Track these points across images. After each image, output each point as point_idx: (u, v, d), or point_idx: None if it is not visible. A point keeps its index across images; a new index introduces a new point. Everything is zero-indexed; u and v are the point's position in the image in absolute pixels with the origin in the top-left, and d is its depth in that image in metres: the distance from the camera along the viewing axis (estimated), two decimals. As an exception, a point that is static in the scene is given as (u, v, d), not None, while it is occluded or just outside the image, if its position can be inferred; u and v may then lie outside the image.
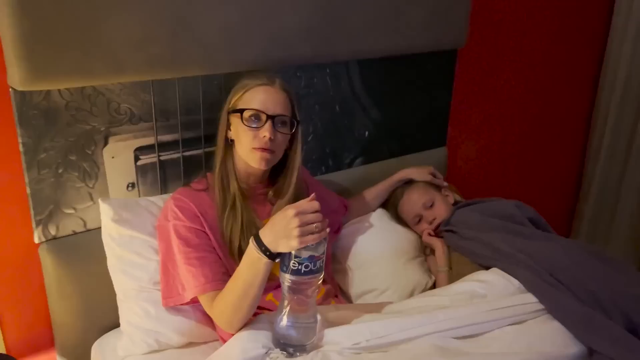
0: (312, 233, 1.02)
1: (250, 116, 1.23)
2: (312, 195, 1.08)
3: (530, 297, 1.21)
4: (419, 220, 1.62)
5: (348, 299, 1.54)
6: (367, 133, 1.79)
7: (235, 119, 1.25)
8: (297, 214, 1.02)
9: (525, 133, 2.37)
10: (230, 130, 1.28)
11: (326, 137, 1.70)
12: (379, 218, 1.66)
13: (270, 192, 1.34)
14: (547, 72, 2.33)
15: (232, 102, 1.27)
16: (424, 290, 1.51)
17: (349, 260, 1.58)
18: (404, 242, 1.61)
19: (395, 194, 1.67)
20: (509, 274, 1.27)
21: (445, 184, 1.67)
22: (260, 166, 1.25)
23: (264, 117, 1.22)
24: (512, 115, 2.29)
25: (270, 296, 1.27)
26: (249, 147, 1.23)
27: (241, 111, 1.23)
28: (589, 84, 2.52)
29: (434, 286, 1.53)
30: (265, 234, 1.06)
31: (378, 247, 1.58)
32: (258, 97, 1.23)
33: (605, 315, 1.18)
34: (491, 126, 2.24)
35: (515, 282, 1.25)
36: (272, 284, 1.23)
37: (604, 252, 1.39)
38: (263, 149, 1.23)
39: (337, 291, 1.46)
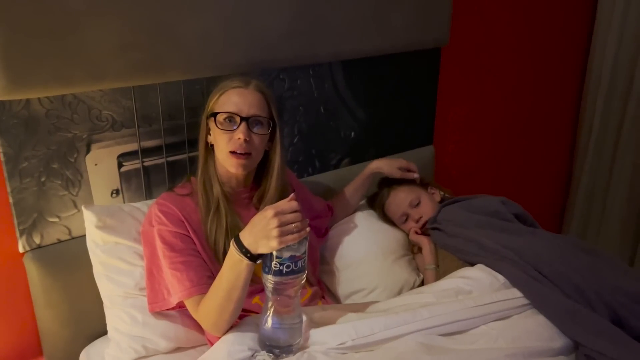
0: (292, 233, 1.02)
1: (224, 119, 1.23)
2: (291, 195, 1.08)
3: (516, 292, 1.22)
4: (406, 219, 1.63)
5: (336, 300, 1.54)
6: (352, 134, 1.79)
7: (212, 123, 1.25)
8: (276, 215, 1.02)
9: (512, 129, 2.38)
10: (209, 135, 1.28)
11: (312, 138, 1.70)
12: (365, 218, 1.66)
13: (255, 197, 1.34)
14: (532, 69, 2.34)
15: (209, 106, 1.27)
16: (412, 289, 1.51)
17: (337, 260, 1.58)
18: (392, 241, 1.61)
19: (381, 193, 1.67)
20: (494, 269, 1.28)
21: (416, 175, 1.63)
22: (237, 171, 1.25)
23: (237, 119, 1.22)
24: (499, 111, 2.30)
25: (256, 299, 1.27)
26: (225, 151, 1.23)
27: (216, 114, 1.23)
28: (575, 79, 2.53)
29: (422, 284, 1.53)
30: (245, 236, 1.06)
31: (365, 247, 1.58)
32: (232, 99, 1.24)
33: (591, 309, 1.18)
34: (478, 123, 2.25)
35: (501, 277, 1.26)
36: (257, 287, 1.23)
37: (592, 247, 1.40)
38: (239, 155, 1.23)
39: (324, 292, 1.46)
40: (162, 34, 1.29)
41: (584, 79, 2.51)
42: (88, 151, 1.31)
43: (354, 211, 1.69)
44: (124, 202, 1.39)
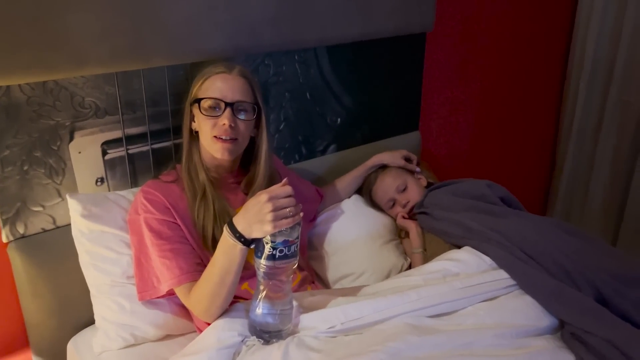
0: (286, 217, 1.03)
1: (208, 105, 1.22)
2: (285, 180, 1.08)
3: (502, 273, 1.23)
4: (393, 204, 1.63)
5: (325, 285, 1.55)
6: (339, 120, 1.78)
7: (196, 110, 1.24)
8: (270, 199, 1.02)
9: (497, 114, 2.39)
10: (194, 121, 1.27)
11: (298, 125, 1.69)
12: (353, 204, 1.67)
13: (243, 182, 1.33)
14: (516, 54, 2.34)
15: (193, 92, 1.25)
16: (400, 272, 1.51)
17: (325, 246, 1.58)
18: (379, 226, 1.62)
19: (368, 179, 1.67)
20: (481, 251, 1.28)
21: (417, 169, 1.68)
22: (223, 156, 1.24)
23: (222, 105, 1.21)
24: (483, 96, 2.31)
25: (245, 285, 1.27)
26: (209, 136, 1.22)
27: (199, 100, 1.22)
28: (558, 64, 2.55)
29: (409, 268, 1.54)
30: (239, 221, 1.06)
31: (353, 232, 1.59)
32: (216, 85, 1.22)
33: (576, 288, 1.20)
34: (463, 108, 2.26)
35: (487, 259, 1.27)
36: (247, 273, 1.22)
37: (576, 228, 1.41)
38: (224, 140, 1.22)
39: (313, 277, 1.46)
40: (145, 19, 1.26)
41: (566, 63, 2.53)
42: (71, 139, 1.29)
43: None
44: (109, 190, 1.37)
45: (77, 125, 1.29)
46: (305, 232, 1.53)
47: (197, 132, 1.27)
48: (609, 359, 1.02)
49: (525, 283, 1.19)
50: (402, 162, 1.66)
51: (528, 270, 1.21)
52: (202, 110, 1.21)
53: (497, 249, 1.27)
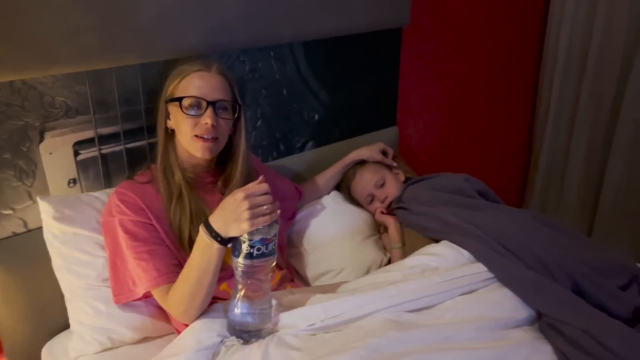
0: (263, 215, 1.02)
1: (189, 104, 1.19)
2: (261, 177, 1.07)
3: (480, 267, 1.23)
4: (372, 200, 1.63)
5: (305, 282, 1.54)
6: (317, 116, 1.77)
7: (174, 108, 1.21)
8: (247, 197, 1.02)
9: (474, 108, 2.41)
10: (169, 119, 1.24)
11: (275, 121, 1.67)
12: (332, 200, 1.66)
13: (220, 182, 1.31)
14: (491, 48, 2.36)
15: (169, 91, 1.23)
16: (379, 268, 1.51)
17: (305, 243, 1.57)
18: (359, 222, 1.62)
19: (347, 175, 1.67)
20: (459, 245, 1.29)
21: (394, 164, 1.68)
22: (204, 156, 1.22)
23: (204, 103, 1.19)
24: (460, 91, 2.32)
25: (224, 285, 1.25)
26: (189, 135, 1.20)
27: (179, 99, 1.19)
28: (533, 59, 2.57)
29: (389, 263, 1.53)
30: (215, 220, 1.05)
31: (333, 229, 1.58)
32: (195, 83, 1.20)
33: (553, 280, 1.21)
34: (440, 103, 2.26)
35: (465, 252, 1.27)
36: (225, 273, 1.21)
37: (552, 220, 1.42)
38: (205, 139, 1.20)
39: (293, 276, 1.46)
40: (115, 16, 1.24)
41: (541, 58, 2.56)
42: (41, 140, 1.26)
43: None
44: (82, 192, 1.34)
45: (47, 125, 1.25)
46: (284, 230, 1.52)
47: (172, 131, 1.25)
48: (586, 348, 1.03)
49: (503, 276, 1.20)
50: (379, 157, 1.66)
51: (506, 262, 1.22)
52: (183, 109, 1.19)
53: (474, 243, 1.28)
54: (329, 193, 1.69)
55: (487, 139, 2.53)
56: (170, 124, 1.24)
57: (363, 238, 1.59)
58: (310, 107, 1.75)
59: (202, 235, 1.06)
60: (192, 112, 1.19)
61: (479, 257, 1.25)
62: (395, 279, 1.22)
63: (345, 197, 1.68)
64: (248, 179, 1.29)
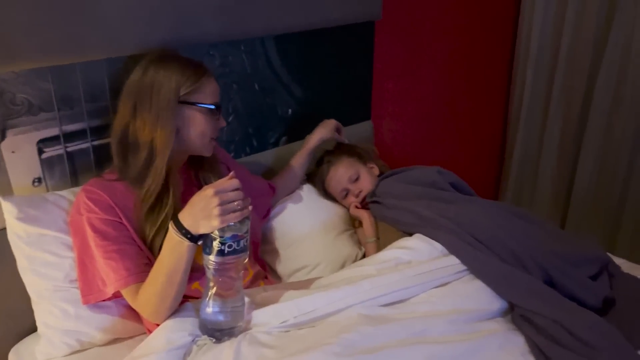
0: (234, 211, 1.01)
1: (212, 109, 1.22)
2: (231, 173, 1.06)
3: (453, 259, 1.23)
4: (346, 194, 1.63)
5: (279, 279, 1.54)
6: (290, 111, 1.76)
7: (191, 111, 1.21)
8: (216, 193, 1.01)
9: (448, 102, 2.41)
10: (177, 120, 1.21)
11: (248, 117, 1.66)
12: (306, 195, 1.66)
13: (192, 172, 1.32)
14: (465, 42, 2.37)
15: (181, 93, 1.18)
16: (355, 262, 1.52)
17: (279, 239, 1.57)
18: (333, 217, 1.62)
19: (321, 170, 1.66)
20: (432, 238, 1.29)
21: (345, 140, 1.70)
22: (210, 153, 1.28)
23: (219, 107, 1.24)
24: (434, 84, 2.33)
25: (196, 285, 1.24)
26: (208, 138, 1.24)
27: (206, 105, 1.21)
28: (506, 52, 2.59)
29: (364, 257, 1.53)
30: (185, 217, 1.03)
31: (307, 224, 1.58)
32: (212, 88, 1.23)
33: (525, 271, 1.22)
34: (413, 96, 2.26)
35: (438, 245, 1.27)
36: (197, 273, 1.20)
37: (525, 212, 1.44)
38: (215, 139, 1.27)
39: (267, 273, 1.45)
40: (78, 11, 1.20)
41: (514, 52, 2.58)
42: (3, 138, 1.21)
43: (296, 189, 1.68)
44: (48, 191, 1.30)
45: (8, 123, 1.21)
46: (259, 227, 1.51)
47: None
48: (558, 339, 1.04)
49: (476, 268, 1.20)
50: (334, 134, 1.67)
51: (478, 255, 1.23)
52: (210, 114, 1.22)
53: (447, 235, 1.28)
54: (300, 183, 1.69)
55: (461, 132, 2.54)
56: (178, 124, 1.20)
57: (338, 233, 1.58)
58: (284, 102, 1.73)
59: (172, 233, 1.04)
60: (213, 116, 1.23)
61: (452, 249, 1.25)
62: (369, 273, 1.22)
63: (320, 192, 1.68)
64: (214, 169, 1.31)
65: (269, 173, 1.70)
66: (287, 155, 1.74)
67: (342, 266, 1.52)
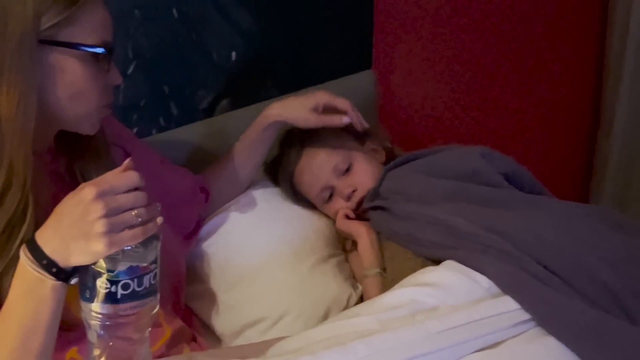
0: (131, 227, 1.01)
1: (105, 55, 1.20)
2: (126, 162, 1.05)
3: (509, 303, 1.23)
4: (331, 196, 1.64)
5: (217, 342, 1.55)
6: (234, 55, 1.78)
7: (62, 57, 1.19)
8: (100, 196, 0.99)
9: (499, 42, 2.43)
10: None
11: (161, 65, 1.67)
12: (264, 199, 1.68)
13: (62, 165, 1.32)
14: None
15: (43, 25, 1.16)
16: (345, 309, 1.53)
17: (217, 274, 1.59)
18: (308, 235, 1.63)
19: (287, 157, 1.68)
20: (473, 267, 1.29)
21: (346, 119, 1.58)
22: (94, 129, 1.26)
23: (108, 53, 1.21)
24: (476, 14, 2.34)
25: (72, 352, 1.24)
26: (97, 105, 1.23)
27: (88, 47, 1.18)
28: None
29: (361, 300, 1.55)
30: (47, 237, 1.03)
31: (265, 248, 1.60)
32: (97, 18, 1.20)
33: (627, 319, 1.22)
34: (441, 33, 2.28)
35: (483, 280, 1.27)
36: (73, 333, 1.20)
37: (632, 221, 1.46)
38: (108, 109, 1.27)
39: (195, 331, 1.46)
40: None
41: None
42: None
43: (246, 188, 1.70)
44: None
45: None
46: (181, 254, 1.52)
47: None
48: None
49: (547, 317, 1.20)
50: (312, 119, 1.57)
51: (550, 294, 1.23)
52: (87, 61, 1.19)
53: (499, 263, 1.28)
54: (250, 180, 1.70)
55: (521, 92, 2.56)
56: (39, 79, 1.18)
57: (317, 261, 1.60)
58: (222, 40, 1.75)
59: (25, 266, 1.03)
60: (101, 68, 1.21)
61: (507, 286, 1.25)
62: (367, 329, 1.22)
63: (286, 193, 1.69)
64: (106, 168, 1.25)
65: (200, 163, 1.70)
66: (231, 131, 1.75)
67: (325, 317, 1.53)
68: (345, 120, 1.60)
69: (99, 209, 0.98)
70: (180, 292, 1.48)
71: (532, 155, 2.25)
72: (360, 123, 1.61)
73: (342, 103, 1.61)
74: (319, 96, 1.60)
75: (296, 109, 1.60)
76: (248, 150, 1.66)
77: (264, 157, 1.69)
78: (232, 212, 1.63)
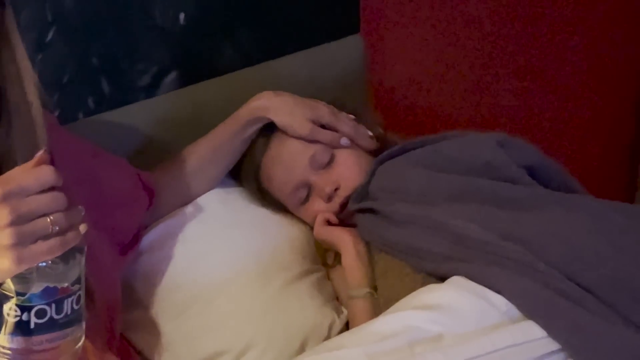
0: (46, 237, 0.99)
1: None
2: (39, 154, 1.04)
3: (532, 330, 1.23)
4: (307, 196, 1.65)
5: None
6: (182, 16, 1.78)
7: None
8: (5, 199, 0.98)
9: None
10: None
11: (88, 32, 1.67)
12: (224, 201, 1.70)
13: None
14: None
15: None
16: (327, 339, 1.52)
17: (162, 297, 1.59)
18: (279, 246, 1.64)
19: (252, 145, 1.69)
20: (486, 284, 1.29)
21: (346, 142, 1.65)
22: None
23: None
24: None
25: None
26: None
27: None
28: None
29: (346, 328, 1.55)
30: None
31: (224, 264, 1.61)
32: None
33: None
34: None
35: (500, 301, 1.27)
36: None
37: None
38: None
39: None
40: None
41: None
42: None
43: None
44: None
45: None
46: (116, 272, 1.51)
47: None
48: None
49: (580, 347, 1.21)
50: (306, 128, 1.63)
51: (584, 318, 1.23)
52: None
53: (519, 279, 1.29)
54: (215, 184, 1.71)
55: (544, 64, 2.58)
56: None
57: (290, 279, 1.60)
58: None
59: None
60: None
61: (529, 308, 1.26)
62: (353, 365, 1.22)
63: (252, 193, 1.71)
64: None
65: (143, 158, 1.71)
66: (182, 114, 1.78)
67: (301, 350, 1.53)
68: (344, 142, 1.65)
69: (3, 215, 0.97)
70: (114, 320, 1.47)
71: (561, 149, 2.24)
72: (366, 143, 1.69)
73: (345, 126, 1.67)
74: (322, 112, 1.67)
75: (293, 113, 1.65)
76: (218, 148, 1.68)
77: (237, 159, 1.71)
78: (180, 217, 1.64)
